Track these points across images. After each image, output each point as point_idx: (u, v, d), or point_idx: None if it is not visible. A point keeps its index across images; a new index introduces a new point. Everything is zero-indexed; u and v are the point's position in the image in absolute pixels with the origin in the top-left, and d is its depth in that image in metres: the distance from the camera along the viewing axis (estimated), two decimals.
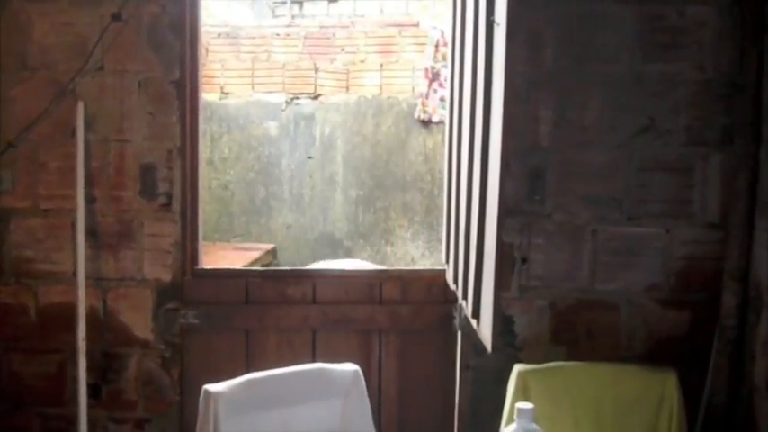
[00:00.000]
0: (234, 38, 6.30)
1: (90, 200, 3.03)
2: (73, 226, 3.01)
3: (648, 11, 2.85)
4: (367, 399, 2.42)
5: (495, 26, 2.03)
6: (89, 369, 3.01)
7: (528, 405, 1.82)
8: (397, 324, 3.13)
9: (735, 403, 2.76)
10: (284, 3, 6.55)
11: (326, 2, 6.53)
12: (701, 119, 2.88)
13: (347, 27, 6.25)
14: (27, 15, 3.01)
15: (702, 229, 2.92)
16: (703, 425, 2.78)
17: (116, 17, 2.98)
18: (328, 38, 6.25)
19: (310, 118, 6.18)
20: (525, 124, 2.90)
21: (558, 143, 2.92)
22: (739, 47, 2.81)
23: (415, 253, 6.14)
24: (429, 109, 6.02)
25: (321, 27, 6.29)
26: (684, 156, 2.90)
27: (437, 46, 5.95)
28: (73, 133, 3.00)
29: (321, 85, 6.20)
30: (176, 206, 3.05)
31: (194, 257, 3.12)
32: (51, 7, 3.00)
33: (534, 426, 1.80)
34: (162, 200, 3.05)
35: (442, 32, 5.86)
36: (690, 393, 2.73)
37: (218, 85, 6.29)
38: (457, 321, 3.06)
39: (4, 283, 3.08)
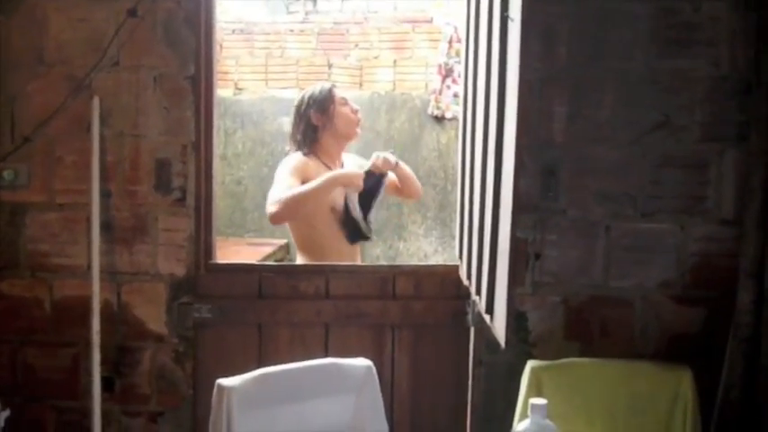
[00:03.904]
0: (248, 34, 6.31)
1: (105, 194, 3.05)
2: (88, 220, 3.03)
3: (663, 6, 2.84)
4: (380, 393, 2.43)
5: (509, 22, 2.03)
6: (103, 363, 3.03)
7: (541, 401, 1.82)
8: (409, 319, 3.13)
9: (750, 400, 2.75)
10: None
11: None
12: (716, 115, 2.87)
13: (361, 23, 6.25)
14: (43, 11, 3.02)
15: (717, 226, 2.91)
16: (718, 422, 2.77)
17: (132, 13, 3.00)
18: (342, 34, 6.25)
19: None
20: (539, 120, 2.89)
21: (571, 139, 2.91)
22: (754, 43, 2.80)
23: (428, 249, 6.14)
24: (442, 105, 6.01)
25: (335, 23, 6.29)
26: (699, 152, 2.89)
27: (450, 42, 5.94)
28: (88, 128, 3.01)
29: (335, 81, 6.19)
30: (190, 201, 3.06)
31: (208, 252, 3.13)
32: (67, 3, 3.02)
33: (548, 422, 1.80)
34: (176, 194, 3.06)
35: (456, 28, 5.85)
36: (704, 390, 2.72)
37: (232, 80, 6.30)
38: (470, 317, 3.07)
39: (20, 277, 3.11)
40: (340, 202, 3.52)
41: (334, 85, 3.70)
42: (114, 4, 3.00)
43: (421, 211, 6.07)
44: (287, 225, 3.59)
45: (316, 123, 3.56)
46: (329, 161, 3.57)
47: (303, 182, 3.43)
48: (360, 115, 3.68)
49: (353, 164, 3.73)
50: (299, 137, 3.60)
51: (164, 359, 3.12)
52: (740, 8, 2.82)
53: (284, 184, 3.40)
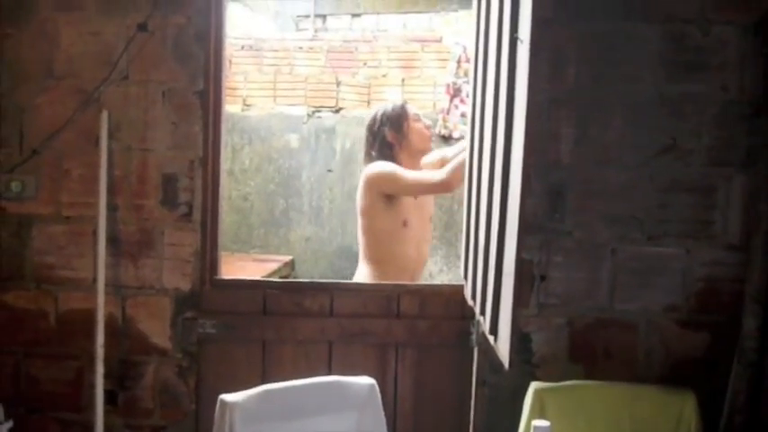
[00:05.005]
0: (257, 50, 6.33)
1: (112, 208, 3.06)
2: (94, 233, 3.04)
3: (672, 30, 2.85)
4: (382, 412, 2.43)
5: (518, 43, 2.03)
6: (106, 376, 3.03)
7: (544, 423, 1.81)
8: (414, 338, 3.12)
9: (754, 426, 2.73)
10: (308, 16, 6.58)
11: (350, 16, 6.55)
12: (724, 140, 2.87)
13: (370, 42, 6.27)
14: (54, 24, 3.04)
15: (723, 251, 2.90)
16: None
17: (142, 28, 3.02)
18: (351, 52, 6.27)
19: (331, 131, 6.20)
20: (546, 142, 2.90)
21: (579, 161, 2.91)
22: (763, 67, 2.81)
23: (434, 268, 6.13)
24: (450, 125, 6.01)
25: (344, 41, 6.32)
26: (706, 176, 2.89)
27: (459, 62, 5.96)
28: (96, 141, 3.03)
29: (343, 99, 6.21)
30: (197, 216, 3.07)
31: (213, 267, 3.13)
32: (78, 17, 3.04)
33: None
34: (183, 209, 3.07)
35: (465, 48, 5.87)
36: (708, 416, 2.71)
37: (241, 96, 6.32)
38: (474, 337, 3.06)
39: (25, 289, 3.11)
40: (412, 218, 3.62)
41: (406, 102, 3.80)
42: (125, 18, 3.02)
43: None
44: (360, 235, 3.69)
45: (391, 141, 3.65)
46: None
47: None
48: (432, 131, 3.82)
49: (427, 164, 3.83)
50: (374, 153, 3.67)
51: (167, 374, 3.11)
52: (749, 33, 2.82)
53: (418, 172, 3.62)
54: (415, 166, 3.69)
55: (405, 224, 3.61)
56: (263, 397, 2.28)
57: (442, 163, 3.80)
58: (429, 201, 3.81)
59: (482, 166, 2.57)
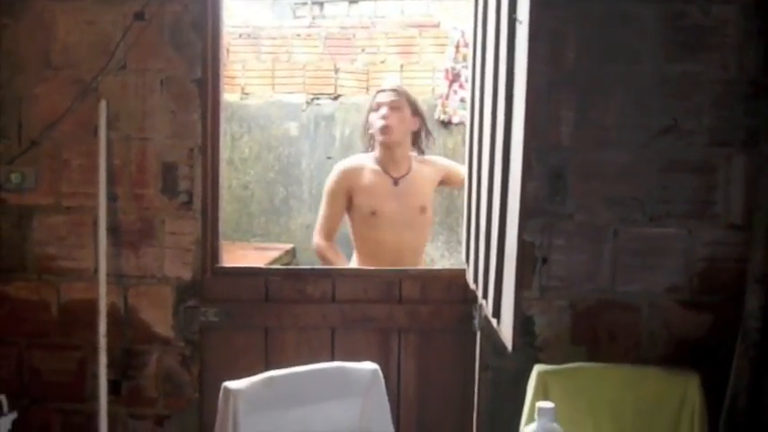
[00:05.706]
0: (255, 38, 6.31)
1: (112, 197, 3.05)
2: (95, 223, 3.03)
3: (672, 10, 2.84)
4: (386, 398, 2.43)
5: (517, 24, 2.02)
6: (109, 366, 3.02)
7: (549, 404, 1.82)
8: (416, 323, 3.12)
9: (757, 406, 2.73)
10: (305, 3, 6.55)
11: (347, 3, 6.52)
12: (725, 119, 2.86)
13: (368, 28, 6.25)
14: (51, 14, 3.03)
15: (725, 231, 2.90)
16: (725, 428, 2.76)
17: (139, 16, 3.00)
18: (349, 38, 6.25)
19: (330, 118, 6.18)
20: (547, 124, 2.89)
21: (579, 143, 2.90)
22: (764, 46, 2.79)
23: (435, 254, 6.12)
24: (449, 110, 6.00)
25: (342, 28, 6.29)
26: (707, 156, 2.88)
27: (458, 47, 5.94)
28: (95, 131, 3.02)
29: (341, 86, 6.19)
30: (197, 204, 3.06)
31: (215, 255, 3.13)
32: (75, 6, 3.02)
33: (555, 425, 1.79)
34: (183, 198, 3.06)
35: (463, 33, 5.85)
36: (712, 396, 2.71)
37: (239, 85, 6.30)
38: (476, 321, 3.06)
39: (27, 280, 3.11)
40: (383, 207, 3.59)
41: (382, 90, 3.67)
42: (121, 7, 3.00)
43: None
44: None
45: (369, 131, 3.67)
46: (385, 167, 3.65)
47: (347, 193, 3.60)
48: (389, 121, 3.57)
49: (443, 163, 3.87)
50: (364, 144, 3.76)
51: (170, 362, 3.11)
52: (750, 11, 2.81)
53: (324, 212, 3.68)
54: (390, 156, 3.63)
55: (374, 214, 3.58)
56: (266, 384, 2.28)
57: (445, 173, 3.82)
58: (417, 189, 3.68)
59: (482, 150, 2.56)
